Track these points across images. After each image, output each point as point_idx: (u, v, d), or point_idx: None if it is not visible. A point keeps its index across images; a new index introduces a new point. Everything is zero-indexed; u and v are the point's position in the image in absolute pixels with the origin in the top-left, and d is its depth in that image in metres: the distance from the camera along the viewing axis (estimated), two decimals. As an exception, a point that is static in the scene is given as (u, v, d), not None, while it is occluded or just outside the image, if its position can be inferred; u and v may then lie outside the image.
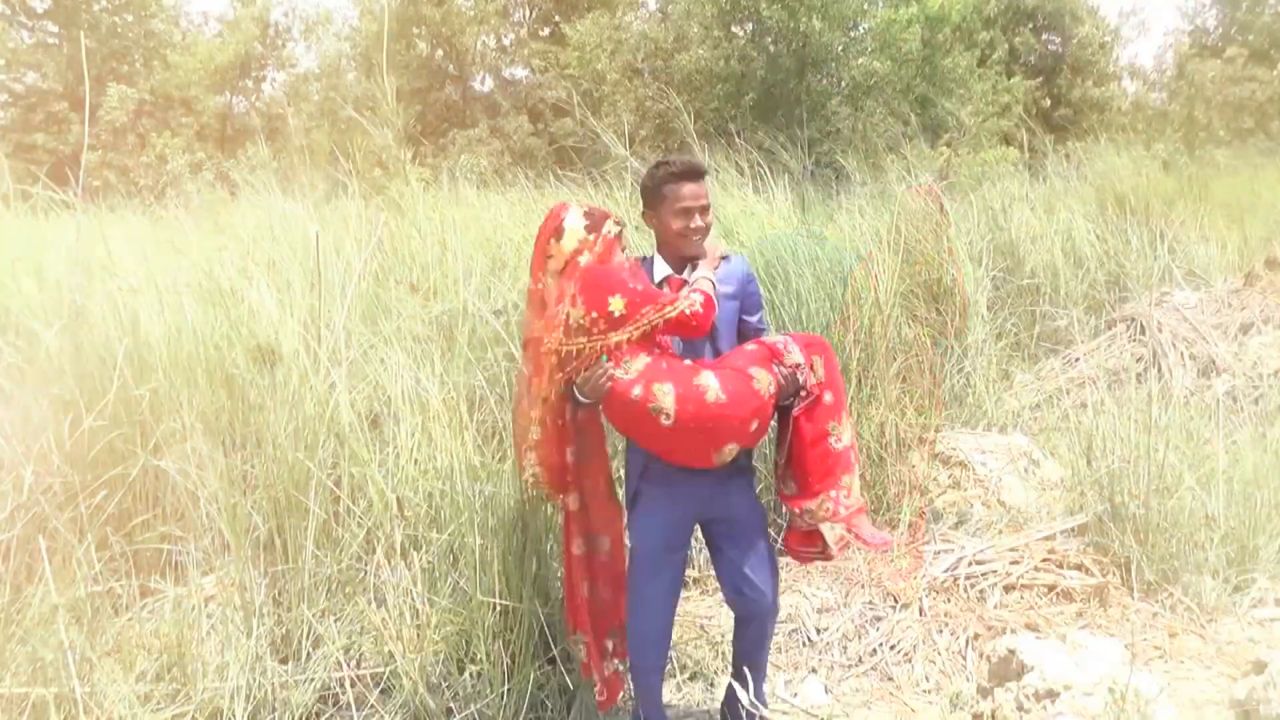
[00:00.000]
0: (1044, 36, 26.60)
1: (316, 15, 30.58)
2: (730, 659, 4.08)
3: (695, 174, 3.67)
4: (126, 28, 27.80)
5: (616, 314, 3.35)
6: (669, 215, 3.64)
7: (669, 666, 4.49)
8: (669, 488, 3.62)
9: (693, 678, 4.49)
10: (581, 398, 3.49)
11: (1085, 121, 23.17)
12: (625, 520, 3.82)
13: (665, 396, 3.33)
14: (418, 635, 3.91)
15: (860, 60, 19.63)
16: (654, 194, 3.69)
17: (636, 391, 3.35)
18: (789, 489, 3.68)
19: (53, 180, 5.32)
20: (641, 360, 3.37)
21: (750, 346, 3.62)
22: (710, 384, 3.37)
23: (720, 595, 5.18)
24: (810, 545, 3.70)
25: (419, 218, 6.40)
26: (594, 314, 3.36)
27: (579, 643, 3.78)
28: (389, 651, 3.92)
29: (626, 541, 3.84)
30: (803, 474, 3.61)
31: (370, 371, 4.71)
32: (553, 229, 3.53)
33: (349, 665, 4.00)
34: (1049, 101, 24.80)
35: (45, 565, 3.78)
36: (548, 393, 3.49)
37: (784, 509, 3.82)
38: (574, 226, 3.50)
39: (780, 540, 4.13)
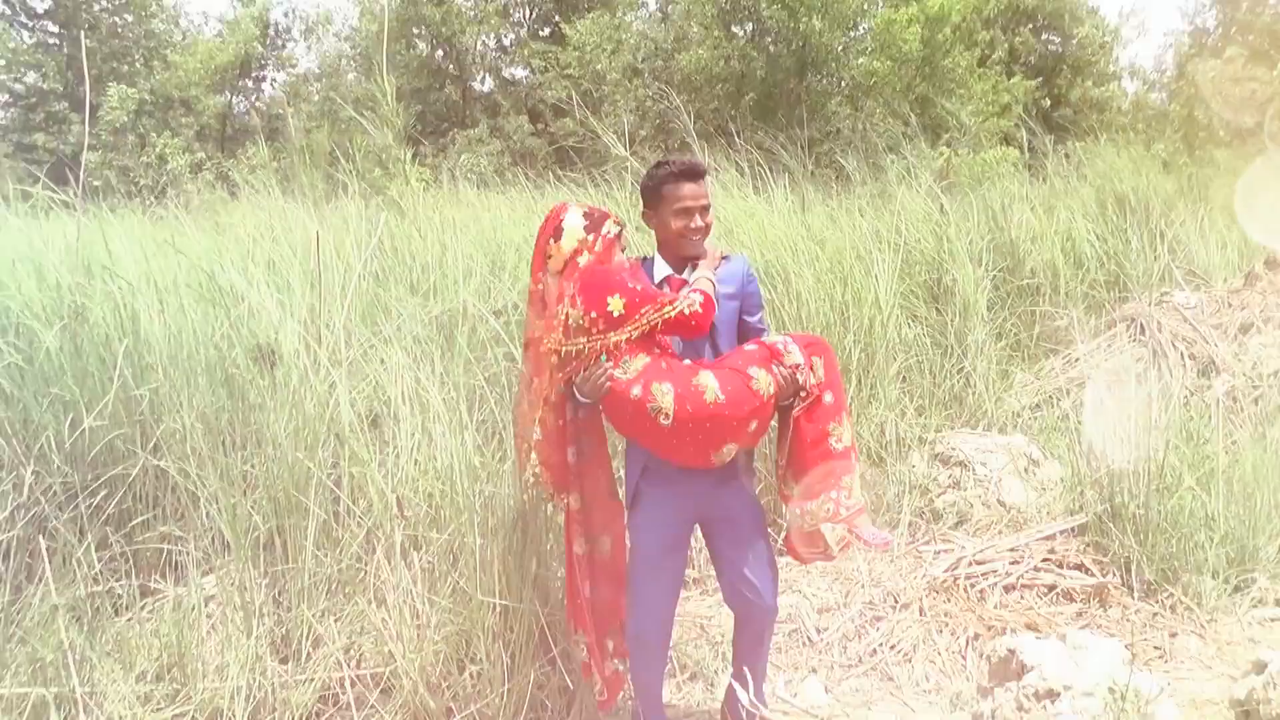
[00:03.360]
0: (1044, 36, 26.58)
1: (317, 15, 30.65)
2: (730, 659, 4.08)
3: (695, 174, 3.66)
4: (127, 28, 27.80)
5: (616, 314, 3.35)
6: (669, 215, 3.64)
7: (669, 666, 4.49)
8: (669, 488, 3.61)
9: (693, 678, 4.49)
10: (581, 397, 3.50)
11: (1085, 121, 23.12)
12: (626, 520, 3.82)
13: (664, 396, 3.34)
14: (418, 635, 3.91)
15: (860, 60, 19.64)
16: (654, 194, 3.69)
17: (636, 391, 3.36)
18: (790, 489, 3.67)
19: (53, 180, 5.33)
20: (641, 360, 3.37)
21: (750, 347, 3.62)
22: (709, 384, 3.37)
23: (720, 595, 5.19)
24: (811, 546, 3.69)
25: (419, 218, 6.41)
26: (593, 314, 3.36)
27: (580, 642, 3.78)
28: (389, 651, 3.93)
29: (627, 541, 3.84)
30: (803, 474, 3.60)
31: (370, 371, 4.71)
32: (552, 229, 3.52)
33: (349, 665, 4.00)
34: (1049, 101, 24.77)
35: (45, 565, 3.79)
36: (548, 392, 3.50)
37: (784, 509, 3.81)
38: (573, 226, 3.50)
39: (780, 541, 4.12)
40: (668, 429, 3.37)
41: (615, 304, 3.36)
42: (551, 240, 3.51)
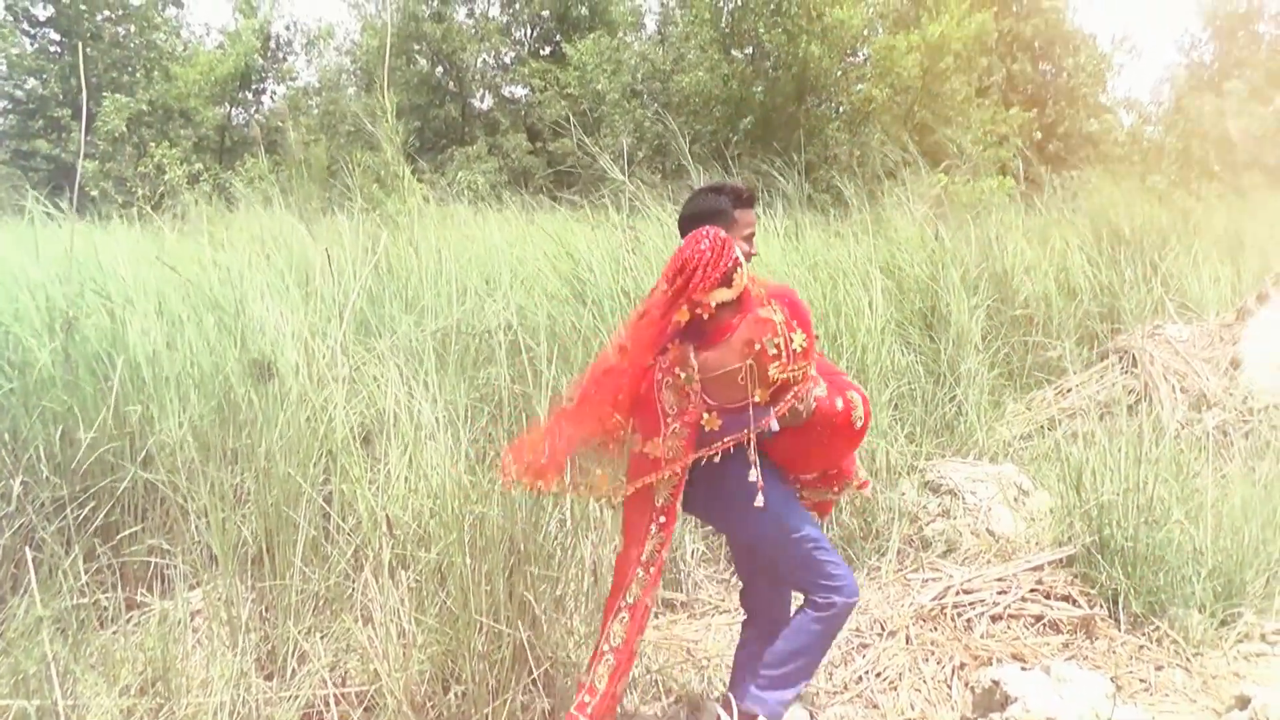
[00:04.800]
0: (1040, 66, 26.72)
1: (318, 29, 30.64)
2: (728, 680, 4.06)
3: (754, 200, 3.75)
4: (128, 38, 27.86)
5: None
6: (738, 239, 3.64)
7: (655, 690, 4.50)
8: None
9: (678, 701, 4.49)
10: (784, 423, 3.53)
11: (1080, 153, 23.25)
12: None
13: (858, 404, 3.58)
14: (403, 654, 3.91)
15: (859, 86, 19.73)
16: (725, 217, 3.65)
17: (839, 404, 3.54)
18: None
19: (53, 188, 5.34)
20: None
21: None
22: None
23: (707, 620, 5.19)
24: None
25: (415, 235, 6.43)
26: (806, 338, 3.48)
27: (602, 671, 3.62)
28: (374, 670, 3.92)
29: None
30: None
31: (364, 388, 4.73)
32: (735, 261, 3.51)
33: (334, 683, 4.00)
34: (1040, 134, 24.88)
35: (31, 576, 3.78)
36: (709, 423, 3.52)
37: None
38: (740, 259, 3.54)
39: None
40: (859, 431, 3.62)
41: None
42: (737, 270, 3.50)
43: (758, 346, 3.41)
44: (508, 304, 5.70)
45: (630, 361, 3.48)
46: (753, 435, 3.48)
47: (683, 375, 3.44)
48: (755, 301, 3.51)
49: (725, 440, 3.49)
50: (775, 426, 3.50)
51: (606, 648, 3.57)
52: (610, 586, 3.69)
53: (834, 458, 3.73)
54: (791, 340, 3.43)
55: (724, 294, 3.46)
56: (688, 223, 3.71)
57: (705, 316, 3.47)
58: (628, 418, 3.58)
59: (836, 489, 3.91)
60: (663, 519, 3.56)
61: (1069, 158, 22.44)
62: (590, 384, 3.56)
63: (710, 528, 5.62)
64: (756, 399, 3.45)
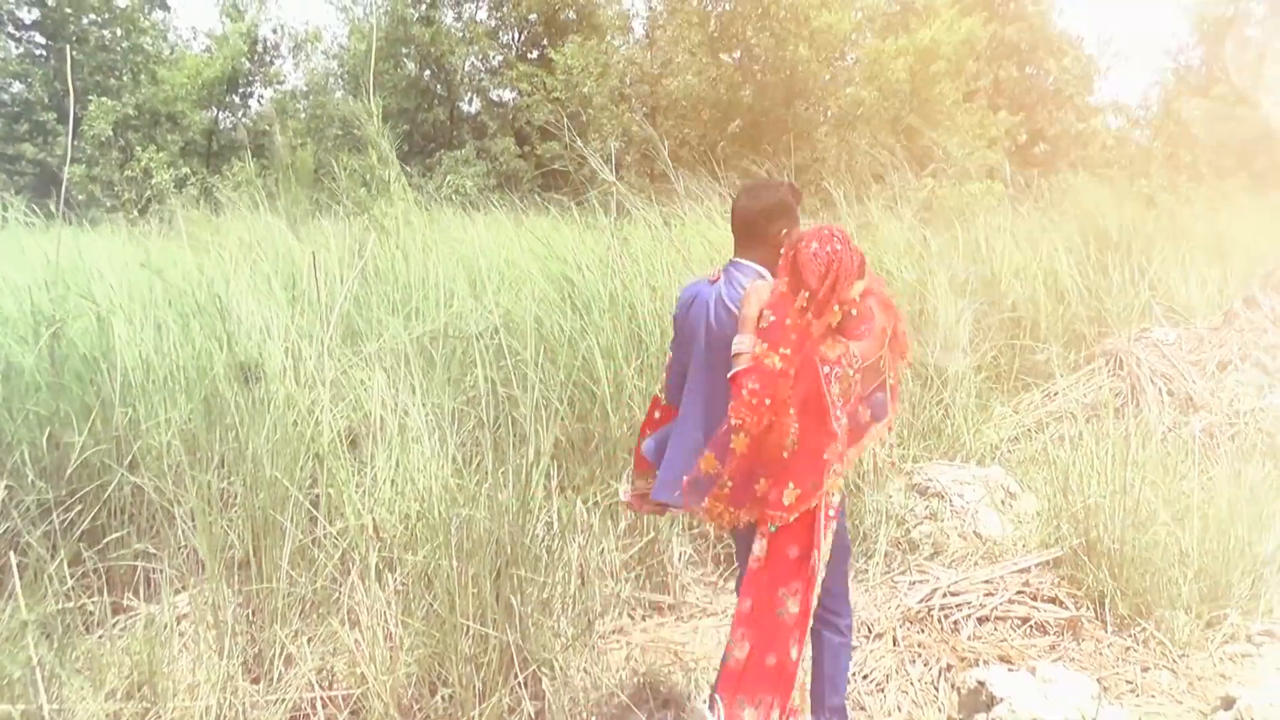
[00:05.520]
0: (1026, 69, 26.79)
1: (306, 33, 30.59)
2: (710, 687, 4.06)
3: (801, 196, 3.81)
4: (115, 41, 27.78)
5: None
6: (793, 234, 3.68)
7: (644, 692, 4.51)
8: None
9: (665, 704, 4.49)
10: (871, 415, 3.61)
11: (1068, 156, 23.32)
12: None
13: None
14: (390, 657, 3.91)
15: (848, 90, 19.79)
16: (794, 214, 3.71)
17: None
18: None
19: (39, 192, 5.34)
20: None
21: None
22: None
23: (694, 622, 5.20)
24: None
25: (403, 239, 6.44)
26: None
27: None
28: (361, 673, 3.92)
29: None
30: None
31: (350, 392, 4.73)
32: (863, 254, 3.55)
33: (321, 686, 4.00)
34: (1026, 136, 24.95)
35: (15, 581, 3.78)
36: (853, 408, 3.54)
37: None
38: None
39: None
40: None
41: None
42: (859, 269, 3.52)
43: (890, 333, 3.54)
44: (495, 307, 5.70)
45: (799, 369, 3.42)
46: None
47: (851, 370, 3.45)
48: (877, 287, 3.60)
49: (877, 428, 3.58)
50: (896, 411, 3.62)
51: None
52: (799, 605, 3.47)
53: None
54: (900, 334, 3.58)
55: (860, 285, 3.51)
56: (760, 217, 3.70)
57: (854, 311, 3.50)
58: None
59: None
60: (832, 512, 3.49)
61: (1057, 160, 22.49)
62: (757, 404, 3.42)
63: (700, 529, 5.63)
64: (891, 381, 3.57)
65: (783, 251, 3.56)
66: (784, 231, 3.68)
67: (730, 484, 3.46)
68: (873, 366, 3.51)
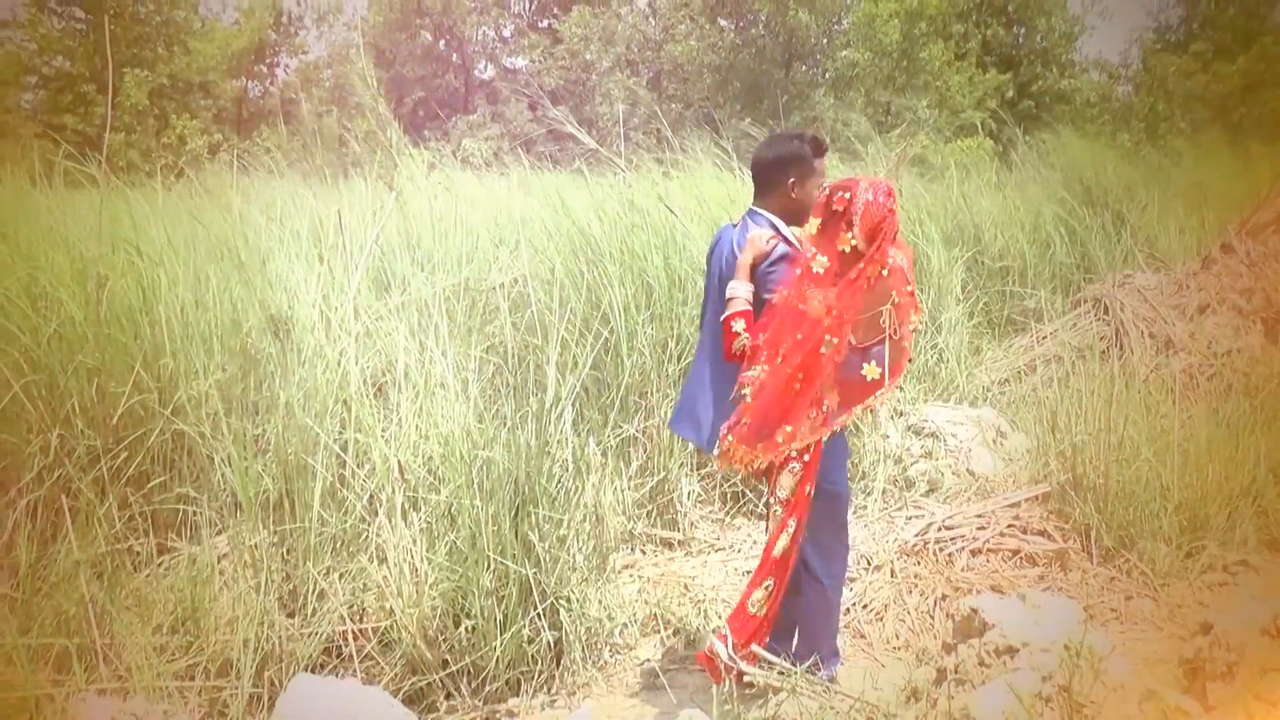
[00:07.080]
0: (1014, 29, 26.40)
1: (327, 4, 30.39)
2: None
3: (826, 150, 3.76)
4: (149, 15, 27.59)
5: None
6: (813, 186, 3.66)
7: (655, 623, 4.53)
8: None
9: (675, 633, 4.50)
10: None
11: (1052, 112, 23.06)
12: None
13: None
14: (416, 592, 3.92)
15: (844, 52, 19.57)
16: (806, 164, 3.68)
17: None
18: None
19: (82, 160, 5.29)
20: None
21: None
22: None
23: (703, 557, 5.21)
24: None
25: (429, 198, 6.39)
26: None
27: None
28: (389, 607, 3.93)
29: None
30: None
31: (377, 341, 4.71)
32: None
33: (352, 620, 4.01)
34: (1013, 93, 24.65)
35: (68, 523, 3.78)
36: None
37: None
38: None
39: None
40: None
41: None
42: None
43: (909, 288, 3.53)
44: (515, 259, 5.68)
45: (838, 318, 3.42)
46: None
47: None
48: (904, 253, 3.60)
49: (882, 391, 3.56)
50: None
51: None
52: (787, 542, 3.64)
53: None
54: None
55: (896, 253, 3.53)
56: (773, 166, 3.71)
57: (884, 272, 3.50)
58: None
59: None
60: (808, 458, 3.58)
61: (1043, 115, 22.26)
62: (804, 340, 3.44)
63: (708, 468, 5.63)
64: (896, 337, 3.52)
65: (824, 191, 3.54)
66: (792, 180, 3.66)
67: (748, 422, 3.48)
68: (873, 320, 3.47)
